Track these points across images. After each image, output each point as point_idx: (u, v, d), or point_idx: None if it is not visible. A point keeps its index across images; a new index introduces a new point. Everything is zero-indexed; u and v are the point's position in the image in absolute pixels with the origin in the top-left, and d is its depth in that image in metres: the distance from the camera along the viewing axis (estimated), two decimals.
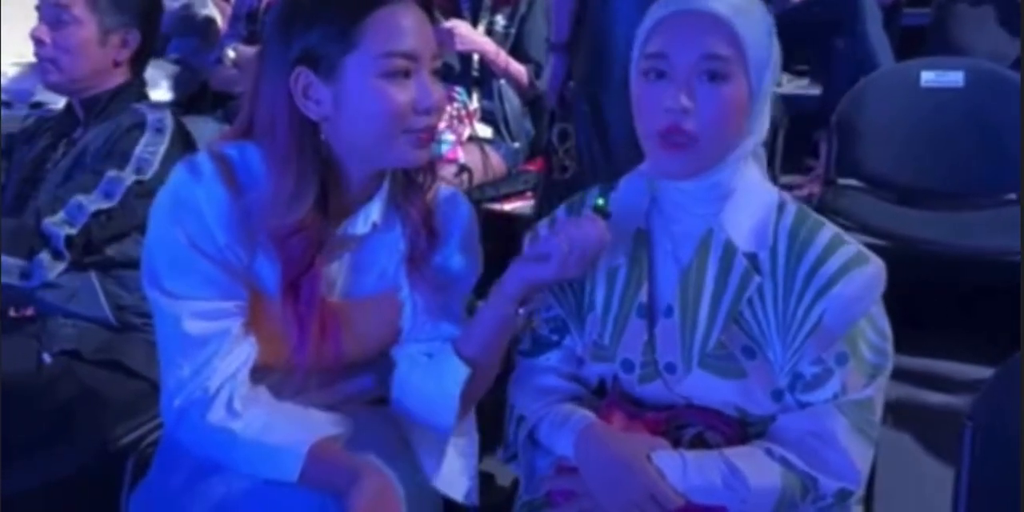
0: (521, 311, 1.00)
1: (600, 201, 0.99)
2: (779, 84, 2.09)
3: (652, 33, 0.96)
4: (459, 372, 0.99)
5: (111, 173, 1.39)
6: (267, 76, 0.97)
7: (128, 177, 1.39)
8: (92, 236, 1.37)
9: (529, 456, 1.06)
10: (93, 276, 1.42)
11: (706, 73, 0.92)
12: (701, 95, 0.92)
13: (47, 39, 1.44)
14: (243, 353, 0.98)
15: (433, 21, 1.00)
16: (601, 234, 0.95)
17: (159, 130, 1.43)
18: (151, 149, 1.42)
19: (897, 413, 1.90)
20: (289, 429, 0.96)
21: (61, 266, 1.35)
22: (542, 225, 1.10)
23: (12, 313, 1.48)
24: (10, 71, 2.20)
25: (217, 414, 0.96)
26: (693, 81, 0.92)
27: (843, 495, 0.96)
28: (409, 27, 0.95)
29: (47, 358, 1.36)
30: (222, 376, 0.96)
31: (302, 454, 0.94)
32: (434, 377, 1.01)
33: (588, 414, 1.01)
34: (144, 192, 1.37)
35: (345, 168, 1.00)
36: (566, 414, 1.02)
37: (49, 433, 1.35)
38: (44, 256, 1.33)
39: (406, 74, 0.95)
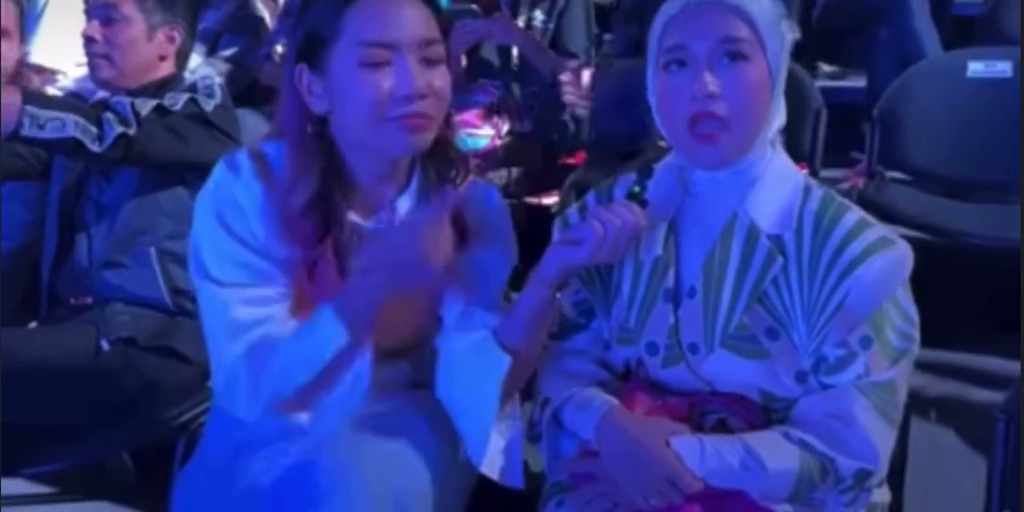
0: (559, 295, 1.01)
1: (636, 188, 1.00)
2: (815, 73, 2.06)
3: (667, 28, 0.99)
4: (501, 360, 1.01)
5: (171, 93, 1.48)
6: (284, 74, 1.03)
7: (185, 95, 1.47)
8: (145, 131, 1.41)
9: (554, 438, 1.08)
10: (152, 252, 1.49)
11: (727, 55, 0.95)
12: (725, 77, 0.95)
13: (99, 36, 1.53)
14: (287, 333, 1.02)
15: (436, 10, 1.02)
16: (636, 220, 0.97)
17: (209, 87, 1.52)
18: (208, 81, 1.52)
19: (940, 408, 1.88)
20: (311, 315, 0.99)
21: (130, 129, 1.38)
22: (572, 212, 1.13)
23: (72, 301, 1.56)
24: (75, 72, 2.30)
25: (251, 368, 0.99)
26: (715, 65, 0.95)
27: (862, 476, 0.96)
28: (390, 15, 0.97)
29: (105, 345, 1.43)
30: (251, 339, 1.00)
31: (329, 309, 0.97)
32: (476, 366, 1.03)
33: (610, 398, 1.03)
34: (199, 119, 1.45)
35: (353, 158, 1.04)
36: (589, 397, 1.03)
37: (105, 414, 1.42)
38: (110, 115, 1.38)
39: (388, 63, 0.97)
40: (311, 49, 0.99)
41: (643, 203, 0.99)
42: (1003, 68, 2.07)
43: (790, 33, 1.00)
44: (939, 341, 1.01)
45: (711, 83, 0.94)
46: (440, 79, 1.00)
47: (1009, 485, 1.06)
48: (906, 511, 1.12)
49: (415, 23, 0.99)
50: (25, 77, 1.80)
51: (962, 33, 2.80)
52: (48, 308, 1.59)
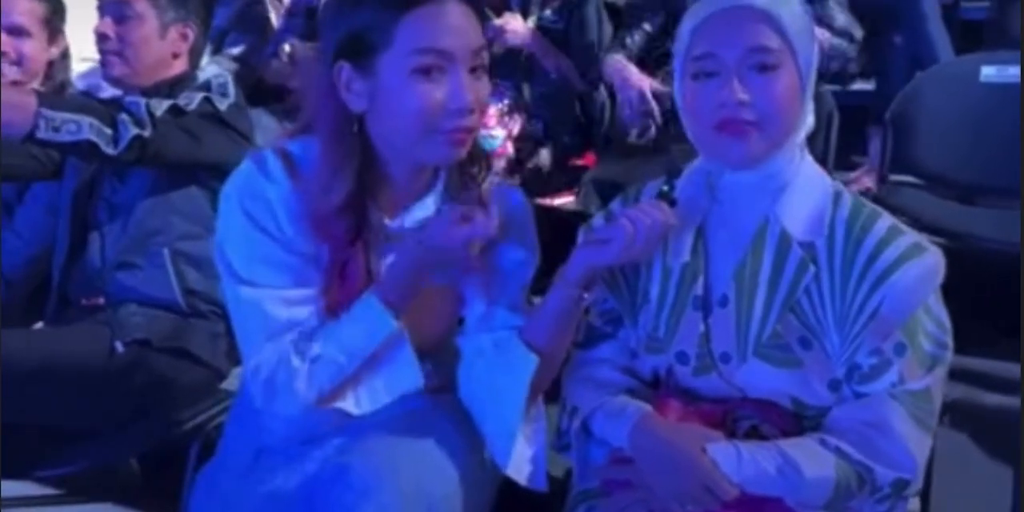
0: (586, 296, 1.00)
1: (665, 188, 0.99)
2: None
3: (695, 35, 0.97)
4: (528, 361, 1.00)
5: (186, 93, 1.46)
6: (317, 69, 1.00)
7: (199, 95, 1.45)
8: (160, 132, 1.39)
9: (583, 446, 1.07)
10: (165, 253, 1.47)
11: (756, 66, 0.94)
12: (754, 87, 0.94)
13: (111, 33, 1.51)
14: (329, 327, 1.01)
15: (482, 19, 1.01)
16: (666, 219, 0.96)
17: (223, 86, 1.50)
18: (221, 80, 1.50)
19: (955, 413, 1.87)
20: (350, 310, 0.99)
21: (145, 131, 1.36)
22: (598, 218, 1.12)
23: (83, 302, 1.53)
24: (80, 67, 2.29)
25: (295, 361, 0.98)
26: (745, 74, 0.94)
27: (900, 485, 0.95)
28: (447, 25, 0.96)
29: (120, 347, 1.41)
30: (284, 344, 0.99)
31: (374, 296, 0.98)
32: (502, 366, 1.03)
33: (643, 405, 1.02)
34: (214, 118, 1.44)
35: (388, 161, 1.03)
36: (621, 405, 1.03)
37: (119, 416, 1.41)
38: (125, 117, 1.36)
39: (440, 72, 0.96)
40: (357, 49, 0.97)
41: (672, 203, 0.99)
42: (1015, 73, 2.06)
43: (816, 38, 0.98)
44: (957, 347, 1.00)
45: (740, 92, 0.93)
46: (484, 90, 1.00)
47: None
48: None
49: (469, 32, 0.98)
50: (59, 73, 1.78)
51: (970, 37, 2.80)
52: (57, 309, 1.57)
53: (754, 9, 0.94)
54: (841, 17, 2.07)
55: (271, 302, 0.99)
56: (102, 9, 1.54)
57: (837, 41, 2.04)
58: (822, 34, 2.00)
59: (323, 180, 0.99)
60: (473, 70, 0.98)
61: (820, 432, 0.98)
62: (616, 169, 2.09)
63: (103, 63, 1.55)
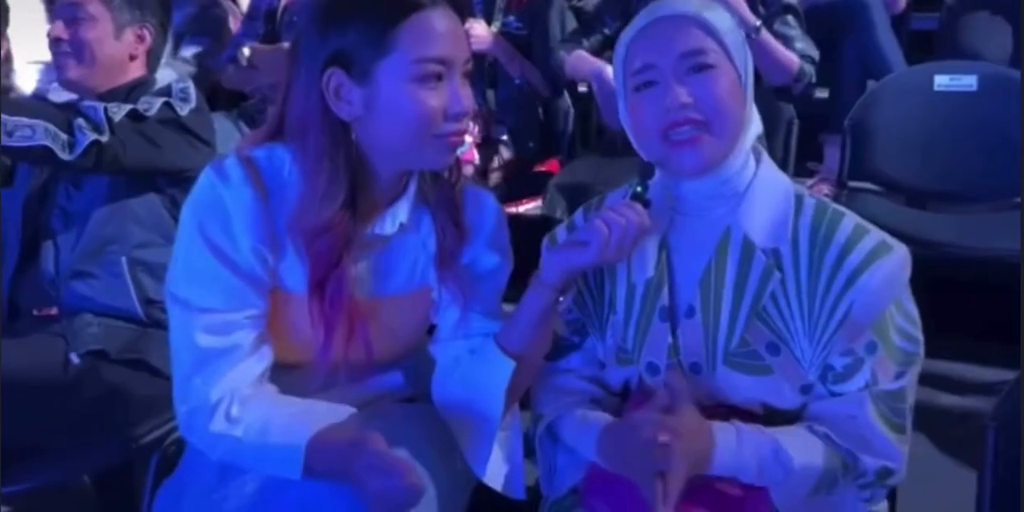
0: (562, 299, 1.00)
1: (639, 188, 0.99)
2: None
3: (631, 49, 0.99)
4: (504, 366, 1.00)
5: (145, 97, 1.43)
6: (299, 76, 0.98)
7: (160, 99, 1.42)
8: (118, 138, 1.36)
9: (549, 453, 1.07)
10: (123, 261, 1.44)
11: (693, 68, 0.95)
12: (695, 88, 0.95)
13: (65, 36, 1.48)
14: (250, 367, 1.00)
15: (465, 24, 1.01)
16: (641, 220, 0.96)
17: (184, 91, 1.48)
18: (182, 85, 1.47)
19: (921, 417, 1.91)
20: (287, 427, 0.97)
21: (103, 136, 1.34)
22: (561, 230, 1.12)
23: (35, 312, 1.49)
24: (27, 70, 2.23)
25: (218, 424, 0.98)
26: (684, 78, 0.95)
27: (884, 473, 0.97)
28: (444, 31, 0.96)
29: (75, 359, 1.37)
30: (224, 388, 0.98)
31: (301, 449, 0.94)
32: (478, 372, 1.02)
33: (606, 415, 1.02)
34: (175, 124, 1.41)
35: (374, 168, 1.01)
36: (584, 414, 1.03)
37: (74, 432, 1.36)
38: (82, 121, 1.33)
39: (438, 78, 0.96)
40: (350, 57, 0.95)
41: (646, 203, 0.99)
42: (968, 82, 2.13)
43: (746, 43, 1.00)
44: None
45: (682, 94, 0.94)
46: (471, 95, 1.00)
47: (1000, 492, 1.07)
48: None
49: (463, 39, 0.98)
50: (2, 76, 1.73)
51: (919, 47, 2.87)
52: (8, 320, 1.52)
53: (684, 17, 0.96)
54: (800, 43, 2.12)
55: (200, 329, 0.98)
56: (53, 12, 1.51)
57: (807, 67, 2.09)
58: (790, 56, 2.04)
59: (316, 195, 0.96)
60: (464, 75, 0.99)
61: (803, 419, 0.98)
62: (582, 174, 2.10)
63: (58, 66, 1.52)
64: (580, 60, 2.13)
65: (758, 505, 0.94)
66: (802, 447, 0.94)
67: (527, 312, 1.00)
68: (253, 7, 2.59)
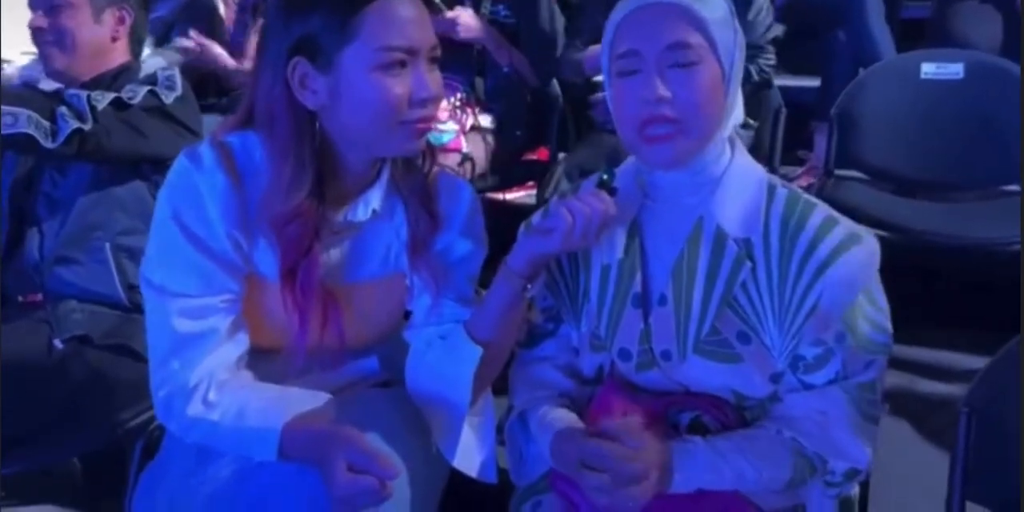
0: (530, 287, 1.01)
1: (605, 176, 1.00)
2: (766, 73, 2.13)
3: (618, 32, 0.97)
4: (472, 352, 1.01)
5: (130, 85, 1.44)
6: (265, 66, 0.98)
7: (144, 88, 1.43)
8: (102, 125, 1.37)
9: (519, 442, 1.08)
10: (107, 248, 1.45)
11: (676, 62, 0.94)
12: (675, 83, 0.94)
13: (44, 25, 1.48)
14: (227, 351, 1.01)
15: (433, 11, 1.02)
16: (606, 208, 0.96)
17: (169, 78, 1.48)
18: (168, 73, 1.48)
19: (895, 402, 1.93)
20: (262, 411, 0.98)
21: (85, 125, 1.34)
22: (537, 215, 1.12)
23: (20, 298, 1.50)
24: (20, 60, 2.24)
25: (195, 407, 0.99)
26: (665, 71, 0.94)
27: (851, 474, 0.98)
28: (407, 19, 0.96)
29: (59, 344, 1.38)
30: (201, 372, 0.99)
31: (276, 433, 0.96)
32: (448, 358, 1.03)
33: (566, 416, 1.03)
34: (160, 112, 1.42)
35: (342, 156, 1.02)
36: (546, 412, 1.04)
37: (60, 417, 1.37)
38: (65, 110, 1.34)
39: (403, 66, 0.96)
40: (316, 46, 0.95)
41: (612, 191, 0.99)
42: (955, 70, 2.12)
43: (739, 30, 0.99)
44: (894, 336, 1.02)
45: (661, 88, 0.93)
46: (439, 80, 1.00)
47: (971, 476, 1.08)
48: (872, 505, 1.14)
49: (427, 27, 0.98)
50: None
51: (911, 35, 2.87)
52: None
53: (673, 5, 0.94)
54: (761, 27, 2.13)
55: (176, 314, 0.98)
56: (33, 4, 1.52)
57: (765, 59, 2.11)
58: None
59: (283, 183, 0.97)
60: (432, 61, 0.99)
61: (772, 420, 0.99)
62: (591, 156, 2.09)
63: (44, 58, 1.52)
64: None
65: (743, 501, 0.96)
66: (769, 458, 0.95)
67: (495, 299, 1.01)
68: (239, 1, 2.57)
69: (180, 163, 1.00)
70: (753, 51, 2.03)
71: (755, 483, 0.95)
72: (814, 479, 0.98)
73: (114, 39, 1.53)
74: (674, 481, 0.93)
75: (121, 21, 1.54)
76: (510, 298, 1.01)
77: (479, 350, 1.01)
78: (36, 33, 1.50)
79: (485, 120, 2.26)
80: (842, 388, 0.97)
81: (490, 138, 2.25)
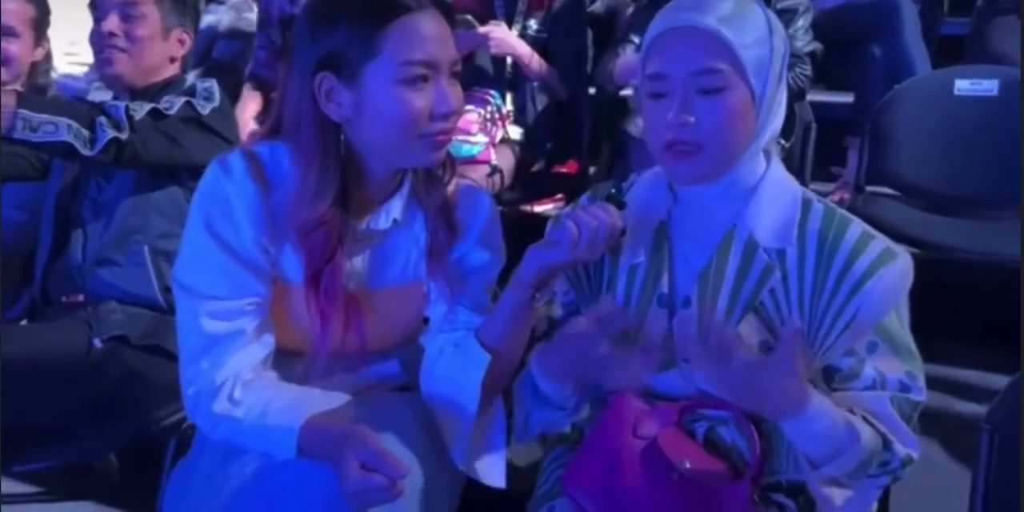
0: (538, 296, 1.03)
1: (613, 191, 1.02)
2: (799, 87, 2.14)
3: (649, 53, 0.99)
4: (480, 359, 1.03)
5: (168, 96, 1.49)
6: (293, 79, 1.02)
7: (181, 99, 1.48)
8: (139, 135, 1.41)
9: (526, 401, 1.08)
10: (145, 250, 1.49)
11: (701, 89, 0.94)
12: (700, 109, 0.95)
13: (119, 31, 1.54)
14: (253, 352, 1.04)
15: (466, 26, 1.05)
16: (612, 220, 0.98)
17: (208, 90, 1.53)
18: (207, 84, 1.53)
19: (924, 421, 1.89)
20: (283, 411, 1.01)
21: (122, 134, 1.39)
22: (564, 214, 1.13)
23: (64, 299, 1.55)
24: (66, 67, 2.32)
25: (221, 404, 1.02)
26: (691, 96, 0.95)
27: (907, 462, 0.98)
28: (429, 35, 0.99)
29: (97, 344, 1.43)
30: (228, 372, 1.03)
31: (295, 431, 0.99)
32: (458, 365, 1.06)
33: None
34: (196, 123, 1.47)
35: (366, 166, 1.05)
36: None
37: (97, 414, 1.42)
38: (103, 119, 1.39)
39: (424, 80, 0.99)
40: (340, 60, 0.98)
41: (620, 205, 1.01)
42: (989, 86, 2.11)
43: (782, 41, 0.98)
44: (922, 354, 1.02)
45: (684, 115, 0.94)
46: (460, 95, 1.03)
47: (993, 495, 1.07)
48: None
49: (448, 42, 1.01)
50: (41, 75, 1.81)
51: (949, 52, 2.84)
52: (38, 307, 1.59)
53: (700, 30, 0.93)
54: (800, 41, 2.14)
55: (206, 315, 1.02)
56: (106, 9, 1.56)
57: (802, 69, 2.13)
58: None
59: (308, 192, 1.00)
60: (453, 75, 1.02)
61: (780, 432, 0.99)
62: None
63: (105, 60, 1.56)
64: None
65: (735, 498, 0.96)
66: (860, 424, 0.95)
67: (504, 307, 1.04)
68: (265, 13, 2.59)
69: (211, 172, 1.04)
70: (791, 60, 2.05)
71: (852, 442, 0.92)
72: (875, 464, 0.96)
73: (172, 59, 1.61)
74: (810, 404, 0.90)
75: (182, 43, 1.61)
76: (518, 306, 1.03)
77: (487, 357, 1.03)
78: (104, 36, 1.54)
79: (515, 132, 2.28)
80: (892, 400, 0.98)
81: (519, 150, 2.28)
